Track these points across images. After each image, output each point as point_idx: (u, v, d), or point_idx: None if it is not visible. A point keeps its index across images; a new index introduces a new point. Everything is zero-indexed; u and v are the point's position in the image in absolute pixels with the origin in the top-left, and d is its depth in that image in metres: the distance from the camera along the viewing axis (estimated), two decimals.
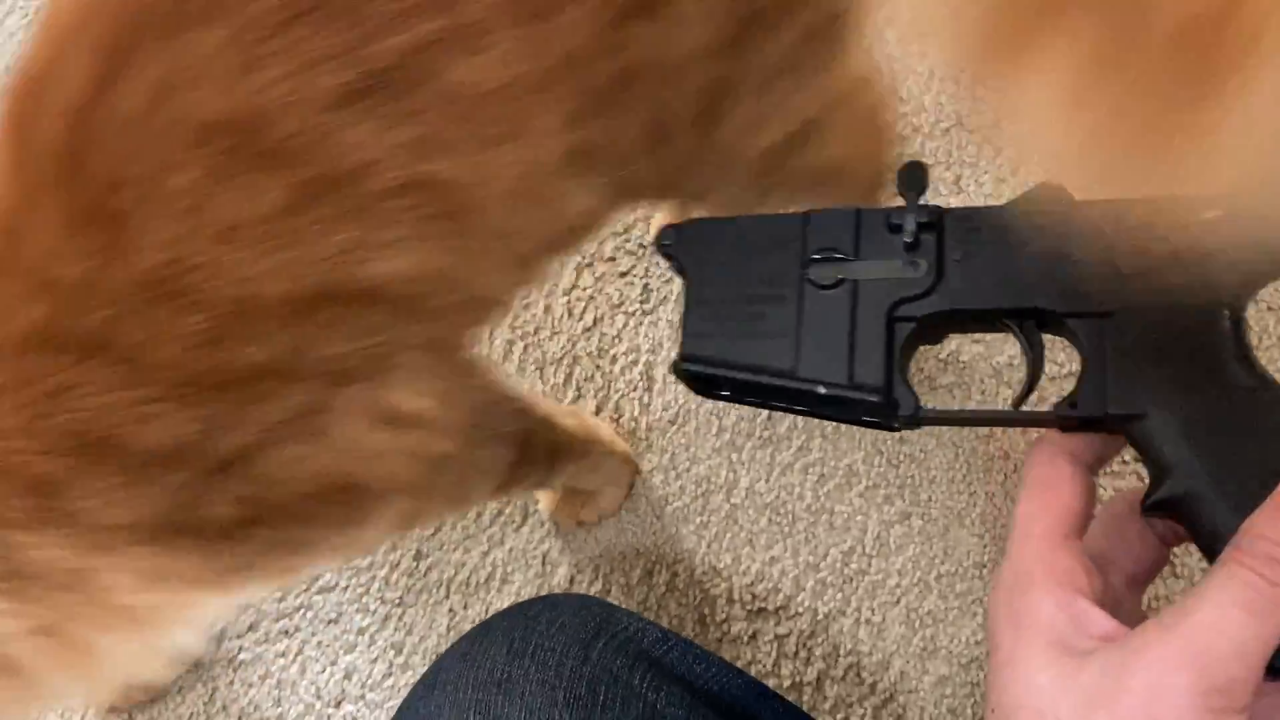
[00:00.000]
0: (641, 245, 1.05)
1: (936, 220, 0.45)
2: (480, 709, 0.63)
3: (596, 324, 1.03)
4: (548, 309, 1.04)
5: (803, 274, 0.46)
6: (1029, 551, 0.42)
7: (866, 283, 0.45)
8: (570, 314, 1.04)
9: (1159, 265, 0.42)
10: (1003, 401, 0.92)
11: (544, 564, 0.96)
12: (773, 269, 0.47)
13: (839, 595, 0.91)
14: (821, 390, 0.44)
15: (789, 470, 0.94)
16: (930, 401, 0.90)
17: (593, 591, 0.94)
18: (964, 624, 0.89)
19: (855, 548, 0.91)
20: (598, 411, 1.00)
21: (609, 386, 1.01)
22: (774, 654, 0.90)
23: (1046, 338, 0.46)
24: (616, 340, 1.02)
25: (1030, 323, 0.45)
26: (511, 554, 0.97)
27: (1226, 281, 0.42)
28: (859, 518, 0.92)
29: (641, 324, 1.02)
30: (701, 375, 0.47)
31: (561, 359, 1.02)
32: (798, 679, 0.89)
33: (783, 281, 0.46)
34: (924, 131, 1.02)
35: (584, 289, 1.04)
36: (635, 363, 1.01)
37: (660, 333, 1.02)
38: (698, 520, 0.95)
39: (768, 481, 0.94)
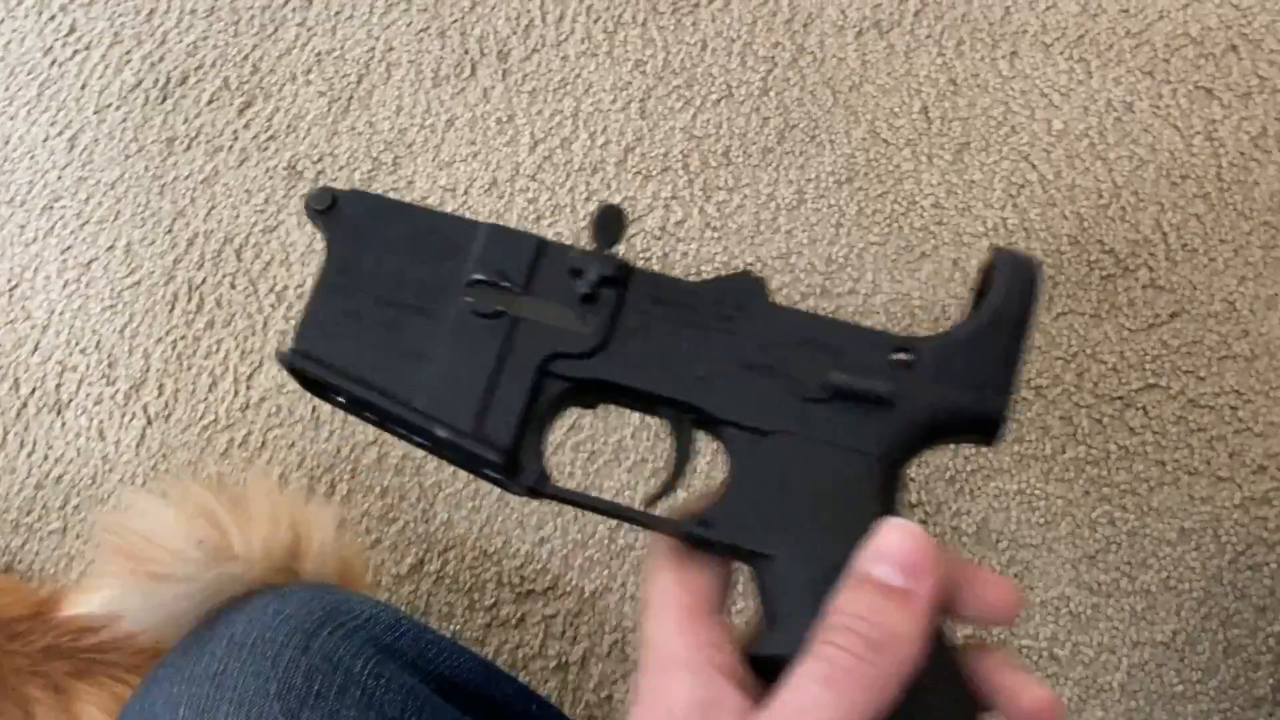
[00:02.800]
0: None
1: (622, 277, 0.42)
2: (191, 703, 0.65)
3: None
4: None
5: (462, 293, 0.42)
6: (667, 627, 0.40)
7: (527, 323, 0.41)
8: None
9: (833, 395, 0.40)
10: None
11: None
12: (431, 277, 0.42)
13: (605, 571, 0.95)
14: (440, 433, 0.40)
15: (560, 449, 0.98)
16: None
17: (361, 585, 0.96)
18: None
19: (622, 524, 0.95)
20: None
21: None
22: (541, 635, 0.93)
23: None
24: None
25: (688, 419, 0.42)
26: None
27: (891, 432, 0.40)
28: (627, 492, 0.96)
29: None
30: (310, 377, 0.42)
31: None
32: (564, 659, 0.93)
33: (436, 294, 0.42)
34: None
35: None
36: None
37: None
38: (469, 505, 0.98)
39: None
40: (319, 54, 1.16)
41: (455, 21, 1.16)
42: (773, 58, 1.11)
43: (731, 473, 0.41)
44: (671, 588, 0.41)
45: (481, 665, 0.74)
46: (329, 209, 0.43)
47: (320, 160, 1.11)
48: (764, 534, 0.39)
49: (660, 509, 0.42)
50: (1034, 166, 1.03)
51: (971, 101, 1.06)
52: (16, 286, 1.09)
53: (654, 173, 1.08)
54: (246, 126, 1.13)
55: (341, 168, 1.11)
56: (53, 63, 1.18)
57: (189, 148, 1.13)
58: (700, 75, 1.11)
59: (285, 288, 1.06)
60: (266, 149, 1.12)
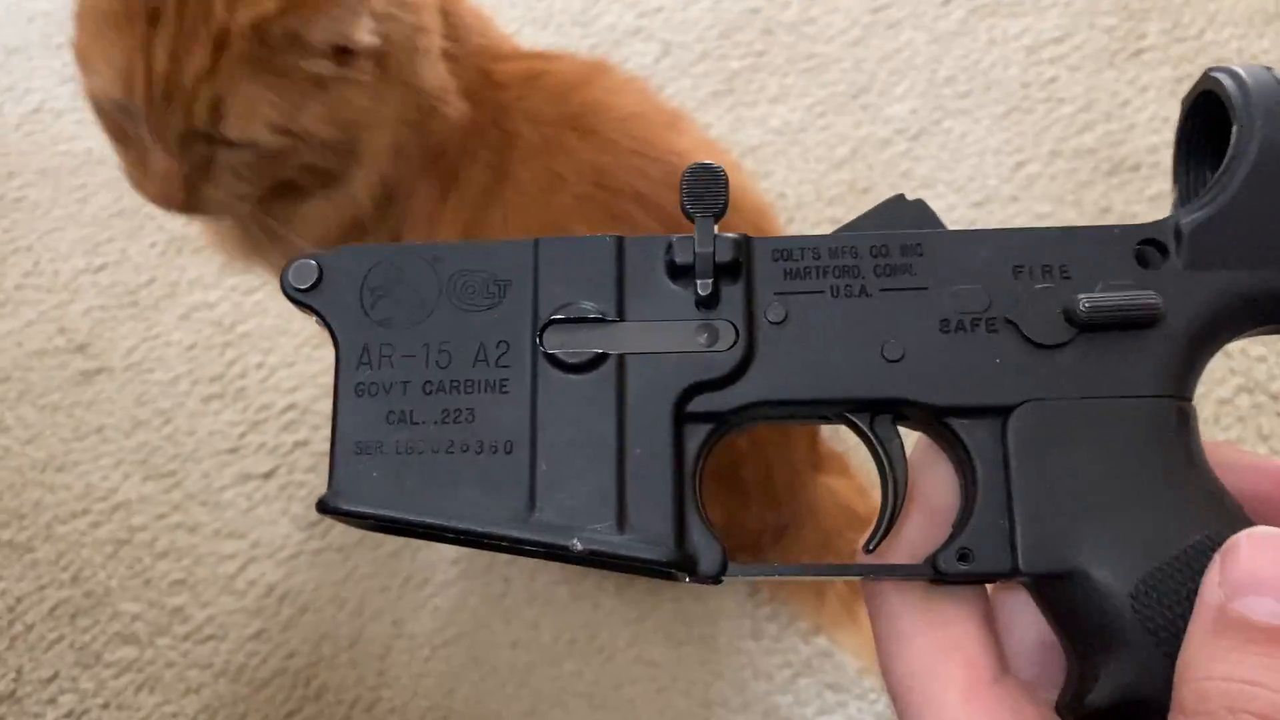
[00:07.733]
0: None
1: (741, 257, 0.33)
2: None
3: None
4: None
5: (536, 345, 0.33)
6: (950, 710, 0.32)
7: (639, 360, 0.33)
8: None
9: (1078, 332, 0.32)
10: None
11: None
12: (486, 335, 0.33)
13: None
14: (578, 547, 0.32)
15: None
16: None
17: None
18: None
19: None
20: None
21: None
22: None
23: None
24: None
25: (887, 418, 0.33)
26: None
27: (1168, 355, 0.32)
28: None
29: None
30: (370, 519, 0.33)
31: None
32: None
33: (501, 358, 0.33)
34: None
35: None
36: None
37: None
38: None
39: None
40: None
41: None
42: None
43: (972, 477, 0.32)
44: (932, 658, 0.32)
45: None
46: (315, 285, 0.34)
47: None
48: (1055, 548, 0.31)
49: (886, 552, 0.34)
50: None
51: None
52: None
53: None
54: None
55: None
56: (1025, 96, 1.32)
57: (1112, 217, 1.20)
58: None
59: None
60: None
